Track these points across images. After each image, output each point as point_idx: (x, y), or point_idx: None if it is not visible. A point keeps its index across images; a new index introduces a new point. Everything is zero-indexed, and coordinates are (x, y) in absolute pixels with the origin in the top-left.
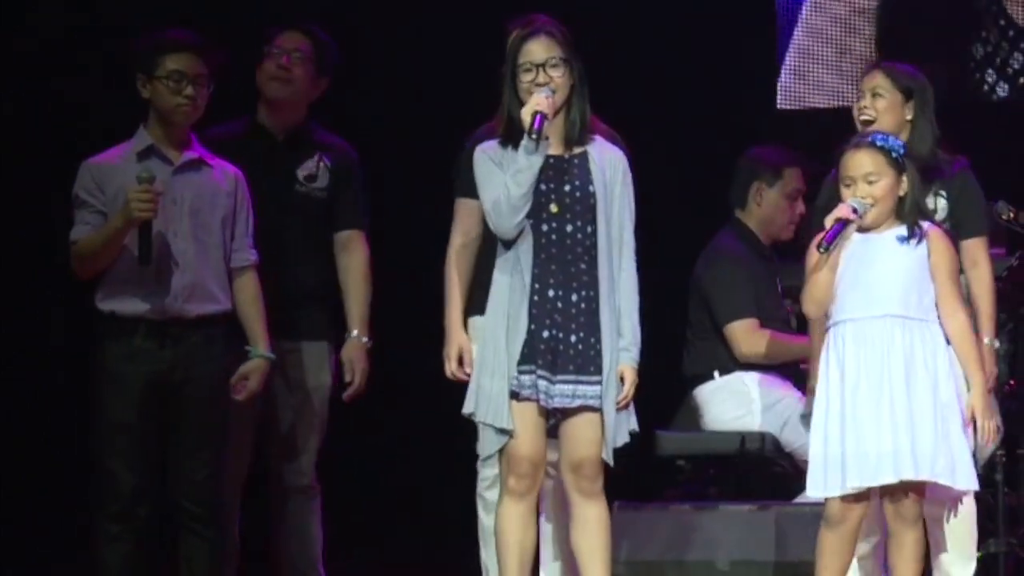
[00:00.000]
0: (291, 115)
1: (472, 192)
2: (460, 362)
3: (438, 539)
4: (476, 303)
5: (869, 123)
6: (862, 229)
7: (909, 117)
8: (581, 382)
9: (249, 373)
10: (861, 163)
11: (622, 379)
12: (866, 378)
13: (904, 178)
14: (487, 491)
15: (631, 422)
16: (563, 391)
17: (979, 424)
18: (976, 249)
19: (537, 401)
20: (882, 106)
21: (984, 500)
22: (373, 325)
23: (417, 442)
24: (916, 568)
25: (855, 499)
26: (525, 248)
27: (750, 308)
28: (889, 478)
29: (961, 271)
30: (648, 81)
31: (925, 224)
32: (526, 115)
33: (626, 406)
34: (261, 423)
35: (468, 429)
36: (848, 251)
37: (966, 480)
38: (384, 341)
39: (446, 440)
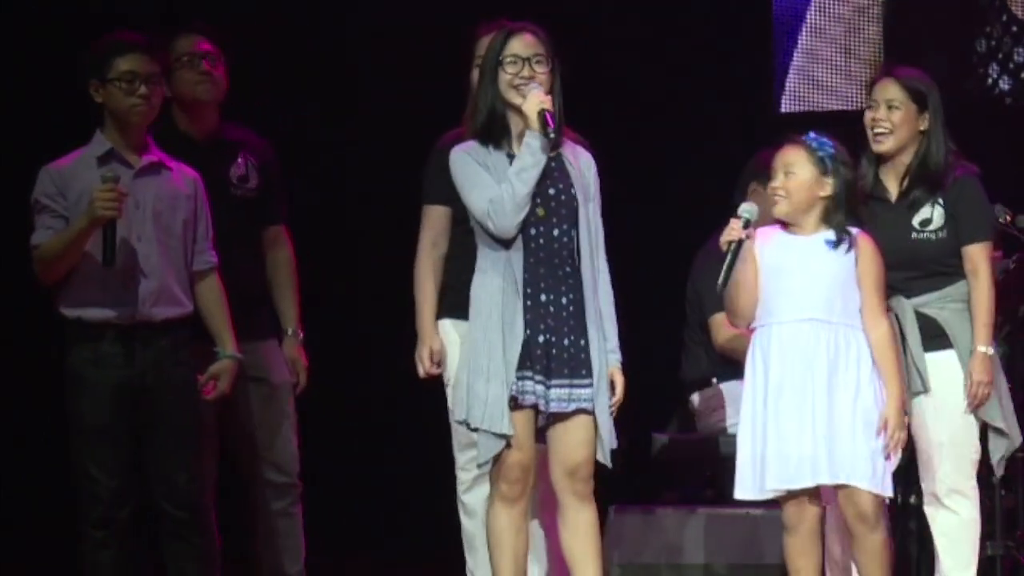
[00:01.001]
0: (212, 117)
1: (441, 198)
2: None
3: (425, 542)
4: (444, 306)
5: (884, 135)
6: (783, 224)
7: (923, 128)
8: (575, 385)
9: (219, 373)
10: (784, 156)
11: (612, 382)
12: (789, 381)
13: (828, 180)
14: (465, 495)
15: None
16: (558, 395)
17: (888, 433)
18: (976, 255)
19: (534, 407)
20: (898, 119)
21: (981, 503)
22: (351, 325)
23: (405, 443)
24: (884, 569)
25: (806, 502)
26: (516, 252)
27: None
28: (807, 482)
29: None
30: (645, 84)
31: (855, 231)
32: (532, 112)
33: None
34: (226, 424)
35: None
36: (775, 254)
37: (881, 484)
38: (369, 342)
39: (434, 442)
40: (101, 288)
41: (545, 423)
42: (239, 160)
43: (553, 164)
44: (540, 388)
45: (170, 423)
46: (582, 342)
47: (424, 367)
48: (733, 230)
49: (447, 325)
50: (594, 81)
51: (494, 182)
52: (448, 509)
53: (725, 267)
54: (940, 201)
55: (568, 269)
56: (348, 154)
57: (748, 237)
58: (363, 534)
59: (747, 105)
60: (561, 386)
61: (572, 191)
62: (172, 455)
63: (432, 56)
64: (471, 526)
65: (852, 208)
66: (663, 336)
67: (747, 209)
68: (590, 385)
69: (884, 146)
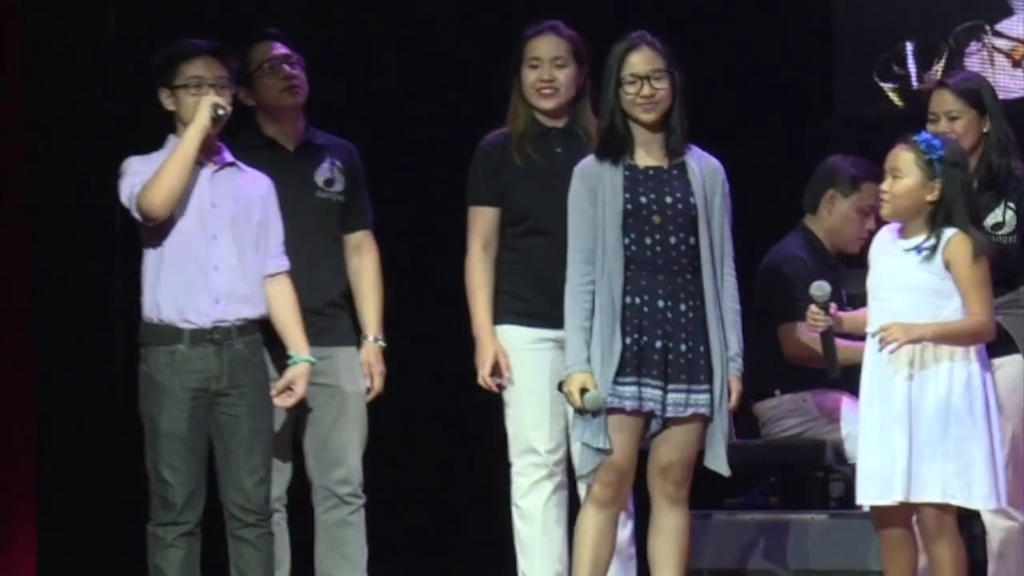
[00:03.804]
0: (298, 122)
1: (487, 200)
2: (495, 370)
3: (479, 547)
4: (503, 311)
5: None
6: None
7: (985, 129)
8: (693, 391)
9: (295, 379)
10: (892, 158)
11: (729, 389)
12: (873, 396)
13: (936, 184)
14: (522, 499)
15: (732, 433)
16: (676, 400)
17: (885, 334)
18: None
19: (651, 413)
20: (961, 127)
21: None
22: (408, 328)
23: (457, 449)
24: None
25: (891, 510)
26: (615, 270)
27: (803, 312)
28: (881, 499)
29: None
30: (708, 89)
31: (949, 232)
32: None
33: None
34: (297, 430)
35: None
36: (878, 261)
37: (983, 499)
38: (424, 346)
39: (487, 447)
40: (180, 290)
41: (660, 428)
42: (327, 164)
43: (675, 172)
44: (658, 393)
45: (243, 427)
46: (701, 348)
47: (482, 373)
48: (819, 320)
49: (507, 331)
50: None
51: (591, 232)
52: (495, 516)
53: (827, 357)
54: (1010, 204)
55: (689, 276)
56: (390, 154)
57: (834, 317)
58: (406, 543)
59: (812, 107)
60: (679, 391)
61: (691, 199)
62: (243, 459)
63: (483, 56)
64: (526, 531)
65: (965, 210)
66: None
67: (819, 294)
68: (708, 391)
69: None
